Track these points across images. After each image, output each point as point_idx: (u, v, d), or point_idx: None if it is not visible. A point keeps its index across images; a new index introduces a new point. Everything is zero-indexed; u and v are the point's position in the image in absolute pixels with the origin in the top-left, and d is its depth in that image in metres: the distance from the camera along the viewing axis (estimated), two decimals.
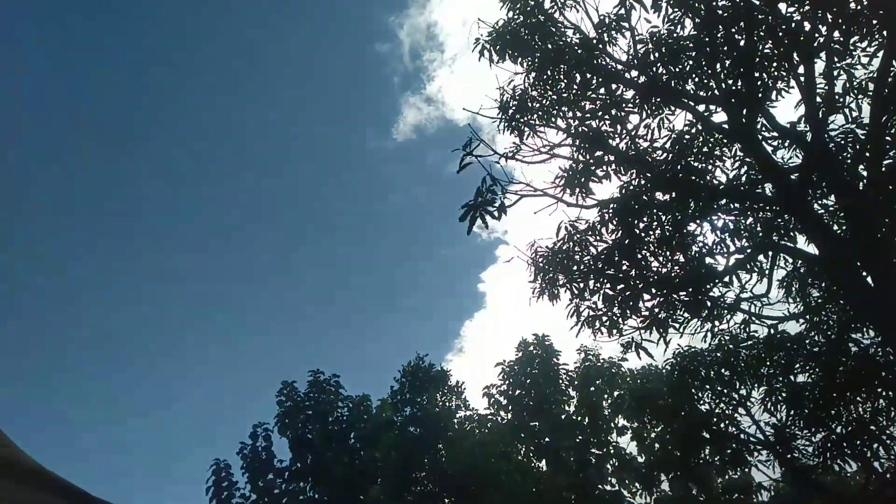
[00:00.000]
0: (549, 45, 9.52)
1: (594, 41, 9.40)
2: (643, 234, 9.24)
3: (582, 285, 9.46)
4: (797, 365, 9.97)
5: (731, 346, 10.60)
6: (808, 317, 9.97)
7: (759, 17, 8.41)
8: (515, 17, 9.60)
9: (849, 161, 8.50)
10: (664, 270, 9.51)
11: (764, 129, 9.12)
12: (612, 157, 9.54)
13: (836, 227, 9.05)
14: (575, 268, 9.49)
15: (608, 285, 9.41)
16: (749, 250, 9.40)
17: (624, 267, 9.29)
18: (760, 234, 9.25)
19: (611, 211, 9.35)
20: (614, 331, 9.62)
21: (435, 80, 26.84)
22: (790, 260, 9.88)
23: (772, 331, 10.16)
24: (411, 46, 26.52)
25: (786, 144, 9.26)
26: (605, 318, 9.52)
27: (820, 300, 9.98)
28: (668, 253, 9.41)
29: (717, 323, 10.27)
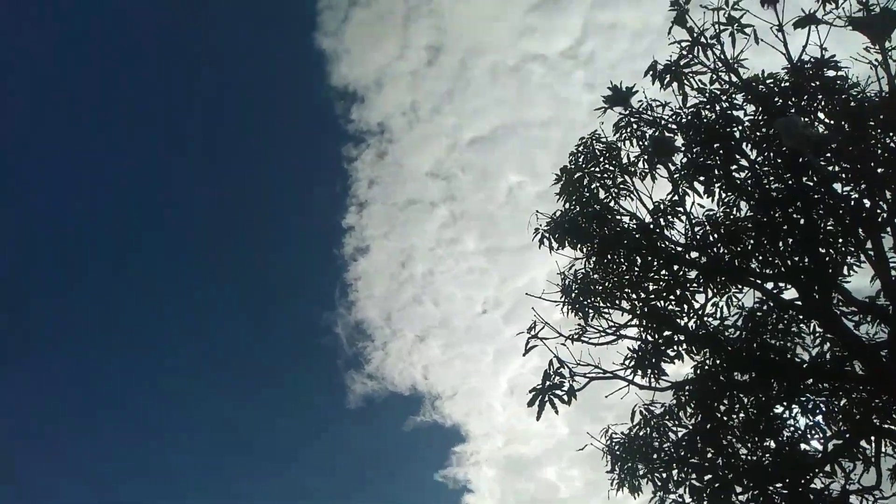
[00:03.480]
0: (607, 231, 9.88)
1: (651, 226, 9.72)
2: (726, 419, 8.68)
3: (665, 475, 8.75)
4: None
5: None
6: None
7: (816, 197, 8.60)
8: (572, 207, 10.13)
9: None
10: (754, 458, 8.76)
11: (840, 304, 8.84)
12: (681, 337, 9.33)
13: None
14: (655, 456, 8.87)
15: (694, 476, 8.67)
16: (848, 435, 8.61)
17: (709, 455, 8.62)
18: (858, 418, 8.52)
19: (687, 393, 8.93)
20: None
21: (371, 361, 31.88)
22: None
23: None
24: (347, 339, 32.01)
25: (868, 319, 8.87)
26: None
27: None
28: (756, 439, 8.74)
29: None
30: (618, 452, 9.24)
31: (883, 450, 8.60)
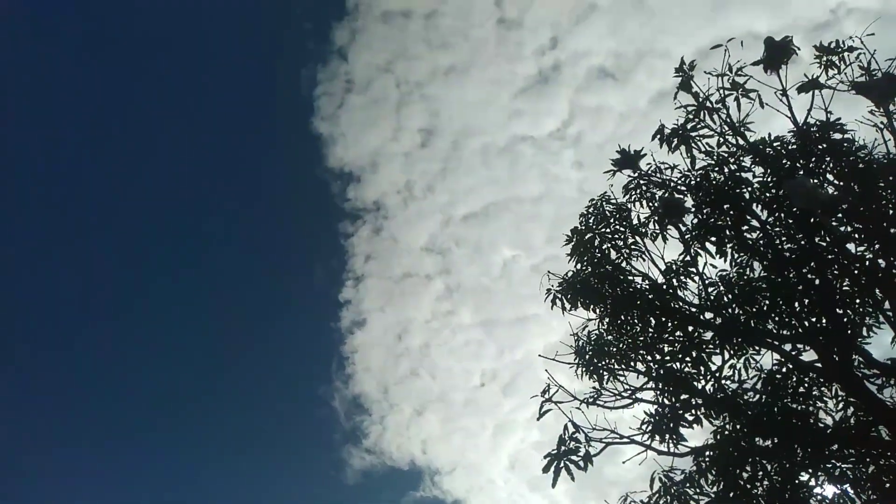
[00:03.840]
0: (620, 291, 9.84)
1: (664, 286, 9.67)
2: (749, 486, 8.34)
3: None
4: None
5: None
6: None
7: (829, 257, 8.56)
8: (584, 267, 10.13)
9: None
10: None
11: (861, 366, 8.64)
12: (699, 401, 9.10)
13: None
14: None
15: None
16: None
17: None
18: (888, 486, 8.17)
19: (708, 460, 8.63)
20: None
21: (369, 436, 32.24)
22: None
23: None
24: (345, 412, 32.75)
25: (891, 382, 8.64)
26: None
27: None
28: None
29: None
30: None
31: None
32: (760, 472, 8.40)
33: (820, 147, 9.04)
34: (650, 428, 8.99)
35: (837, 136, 8.96)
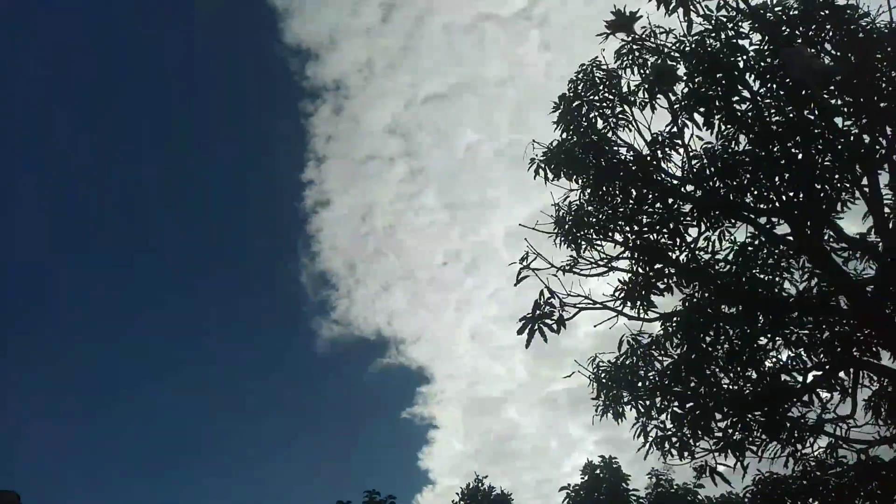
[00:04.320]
0: (604, 162, 9.74)
1: (648, 158, 9.59)
2: (711, 349, 8.86)
3: (648, 403, 9.03)
4: None
5: (817, 473, 9.68)
6: None
7: (816, 131, 8.47)
8: (569, 137, 9.94)
9: None
10: (736, 388, 9.02)
11: (831, 240, 8.89)
12: (672, 270, 9.39)
13: None
14: (640, 384, 9.12)
15: (676, 403, 8.95)
16: (828, 367, 8.86)
17: (692, 384, 8.86)
18: (839, 350, 8.73)
19: (674, 324, 9.08)
20: (685, 453, 9.02)
21: (336, 309, 33.46)
22: (875, 378, 9.21)
23: (862, 456, 9.29)
24: (312, 287, 33.43)
25: (857, 256, 8.95)
26: (674, 439, 8.96)
27: None
28: (738, 369, 8.96)
29: (799, 446, 9.47)
30: (604, 380, 9.48)
31: (860, 381, 8.89)
32: (722, 337, 8.89)
33: (822, 14, 8.62)
34: (623, 295, 9.34)
35: (841, 1, 8.53)
